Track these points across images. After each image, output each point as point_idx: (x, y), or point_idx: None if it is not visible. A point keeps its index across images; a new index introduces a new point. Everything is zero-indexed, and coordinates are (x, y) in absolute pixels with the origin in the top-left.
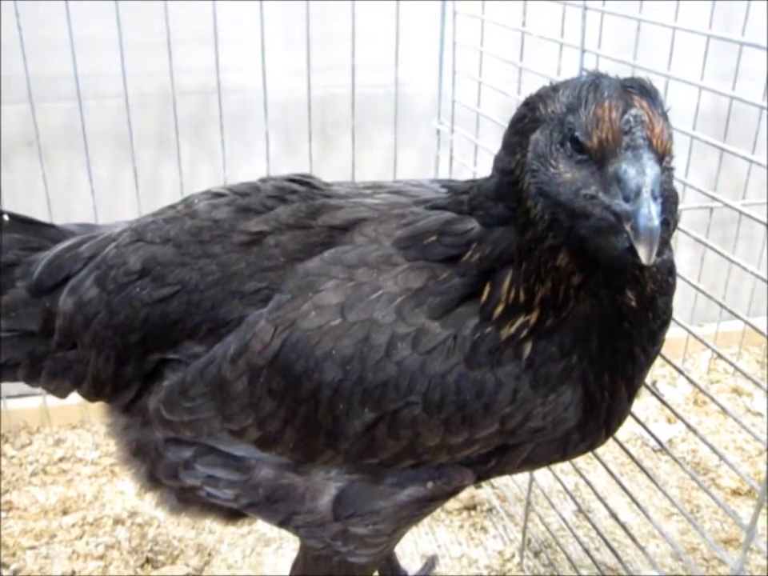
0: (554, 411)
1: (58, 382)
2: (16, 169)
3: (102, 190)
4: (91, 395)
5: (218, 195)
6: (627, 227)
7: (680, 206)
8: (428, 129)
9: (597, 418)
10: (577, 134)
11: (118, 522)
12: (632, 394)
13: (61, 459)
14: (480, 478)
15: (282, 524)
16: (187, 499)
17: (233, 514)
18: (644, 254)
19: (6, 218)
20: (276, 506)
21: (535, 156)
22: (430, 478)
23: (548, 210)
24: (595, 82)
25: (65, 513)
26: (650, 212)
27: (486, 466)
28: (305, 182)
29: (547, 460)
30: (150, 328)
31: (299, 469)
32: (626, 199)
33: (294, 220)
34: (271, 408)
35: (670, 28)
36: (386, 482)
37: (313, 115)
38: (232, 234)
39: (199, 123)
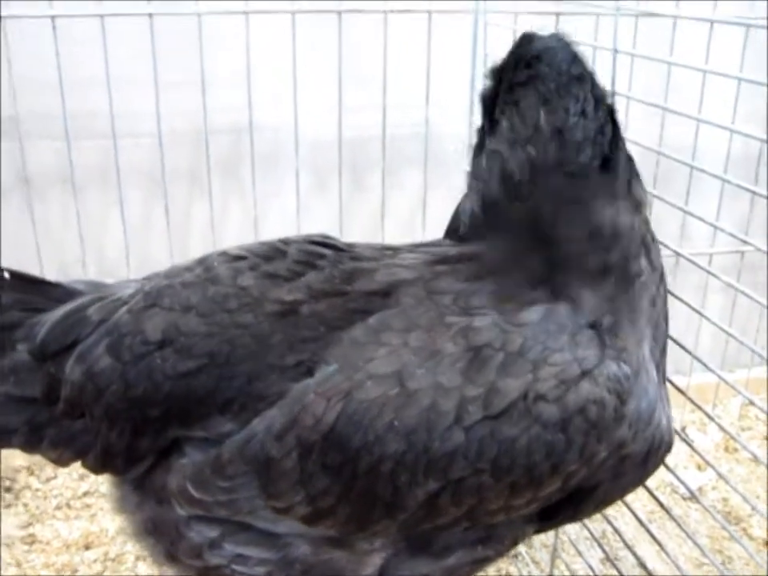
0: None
1: (61, 451)
2: (51, 204)
3: (133, 226)
4: (98, 467)
5: (239, 258)
6: None
7: (711, 250)
8: (458, 170)
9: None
10: None
11: (139, 558)
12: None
13: (85, 494)
14: (543, 528)
15: None
16: None
17: None
18: None
19: (6, 275)
20: None
21: None
22: (479, 539)
23: None
24: None
25: (87, 548)
26: None
27: (555, 520)
28: (330, 245)
29: (626, 490)
30: (174, 403)
31: (342, 542)
32: None
33: (330, 287)
34: (324, 484)
35: (701, 71)
36: (435, 547)
37: (343, 155)
38: (263, 303)
39: (230, 161)
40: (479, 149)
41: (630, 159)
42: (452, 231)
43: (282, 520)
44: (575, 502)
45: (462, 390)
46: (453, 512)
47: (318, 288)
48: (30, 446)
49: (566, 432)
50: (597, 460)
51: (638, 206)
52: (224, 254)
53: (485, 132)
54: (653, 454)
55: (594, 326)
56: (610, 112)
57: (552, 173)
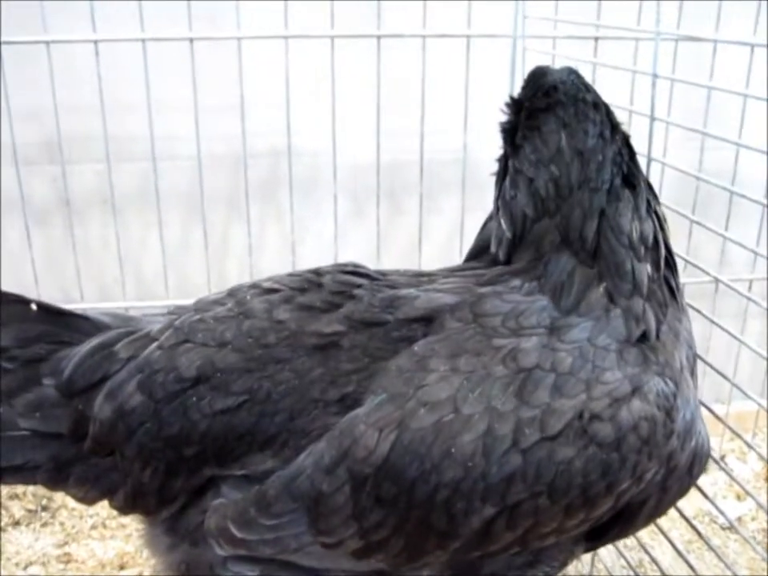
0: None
1: (87, 489)
2: (91, 226)
3: (172, 248)
4: (128, 507)
5: (271, 291)
6: None
7: (750, 276)
8: None
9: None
10: None
11: None
12: None
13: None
14: (592, 548)
15: None
16: None
17: None
18: None
19: (33, 307)
20: None
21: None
22: (528, 563)
23: None
24: None
25: (122, 567)
26: None
27: (603, 538)
28: (363, 274)
29: (673, 502)
30: (211, 441)
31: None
32: None
33: (370, 316)
34: (379, 516)
35: (741, 95)
36: (482, 574)
37: (381, 179)
38: (302, 337)
39: (269, 185)
40: (501, 176)
41: (647, 182)
42: (476, 254)
43: (329, 556)
44: (624, 519)
45: (517, 413)
46: (507, 537)
47: (358, 318)
48: (54, 483)
49: (619, 450)
50: (647, 476)
51: (663, 222)
52: (255, 286)
53: (507, 159)
54: (696, 463)
55: (643, 336)
56: (625, 138)
57: (577, 190)
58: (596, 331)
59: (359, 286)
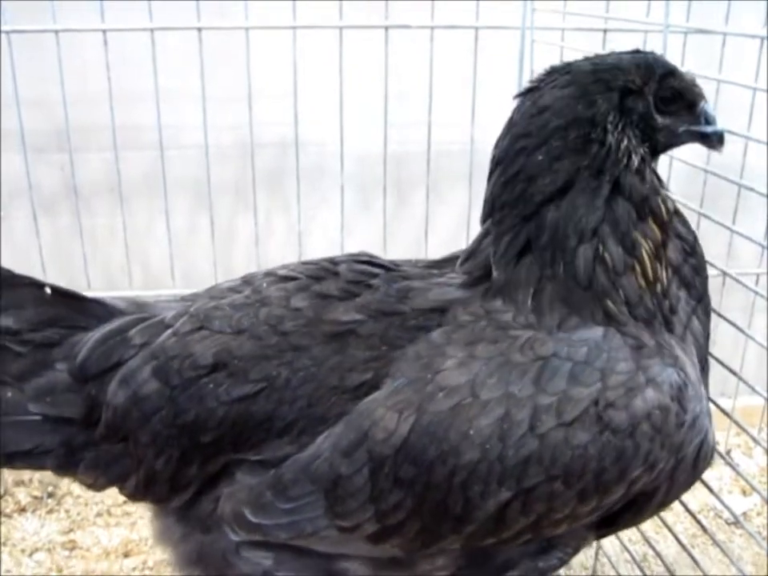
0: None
1: (97, 476)
2: (98, 214)
3: (178, 237)
4: (139, 495)
5: (287, 279)
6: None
7: (758, 270)
8: None
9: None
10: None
11: None
12: None
13: (125, 501)
14: (603, 534)
15: None
16: None
17: None
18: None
19: (48, 291)
20: None
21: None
22: (541, 549)
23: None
24: (662, 60)
25: (126, 555)
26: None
27: (614, 526)
28: (377, 264)
29: (679, 493)
30: (228, 428)
31: (404, 563)
32: (710, 123)
33: (387, 306)
34: (396, 498)
35: (750, 88)
36: (496, 562)
37: (388, 171)
38: (319, 325)
39: (276, 175)
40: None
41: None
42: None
43: (345, 541)
44: (635, 507)
45: (534, 399)
46: (521, 522)
47: (375, 308)
48: (64, 469)
49: (633, 438)
50: (659, 465)
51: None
52: (271, 274)
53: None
54: (701, 458)
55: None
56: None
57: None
58: (610, 333)
59: (375, 276)
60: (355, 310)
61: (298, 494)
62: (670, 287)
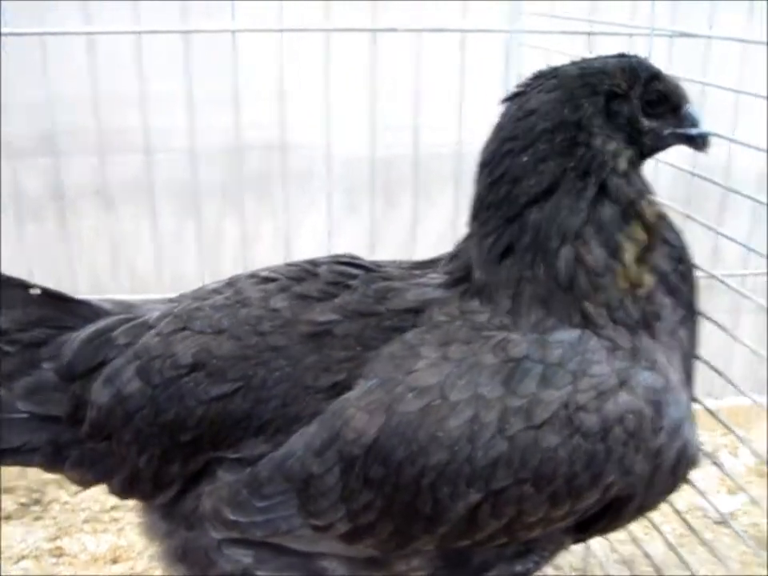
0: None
1: (83, 473)
2: (84, 218)
3: (165, 240)
4: (124, 492)
5: (268, 280)
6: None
7: (744, 272)
8: None
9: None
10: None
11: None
12: None
13: (113, 507)
14: (580, 539)
15: None
16: None
17: None
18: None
19: (37, 291)
20: None
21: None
22: (518, 553)
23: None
24: (647, 63)
25: (114, 561)
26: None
27: (592, 529)
28: (358, 265)
29: (658, 500)
30: (207, 427)
31: (380, 563)
32: (695, 125)
33: (364, 307)
34: (366, 498)
35: (735, 92)
36: (472, 564)
37: (376, 173)
38: (296, 325)
39: (263, 178)
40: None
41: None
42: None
43: (320, 540)
44: (611, 512)
45: (504, 401)
46: (492, 525)
47: (352, 308)
48: (51, 466)
49: (605, 442)
50: (634, 470)
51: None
52: (253, 276)
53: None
54: (681, 464)
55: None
56: None
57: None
58: (585, 336)
59: (355, 277)
60: (332, 310)
61: (272, 492)
62: (656, 293)
